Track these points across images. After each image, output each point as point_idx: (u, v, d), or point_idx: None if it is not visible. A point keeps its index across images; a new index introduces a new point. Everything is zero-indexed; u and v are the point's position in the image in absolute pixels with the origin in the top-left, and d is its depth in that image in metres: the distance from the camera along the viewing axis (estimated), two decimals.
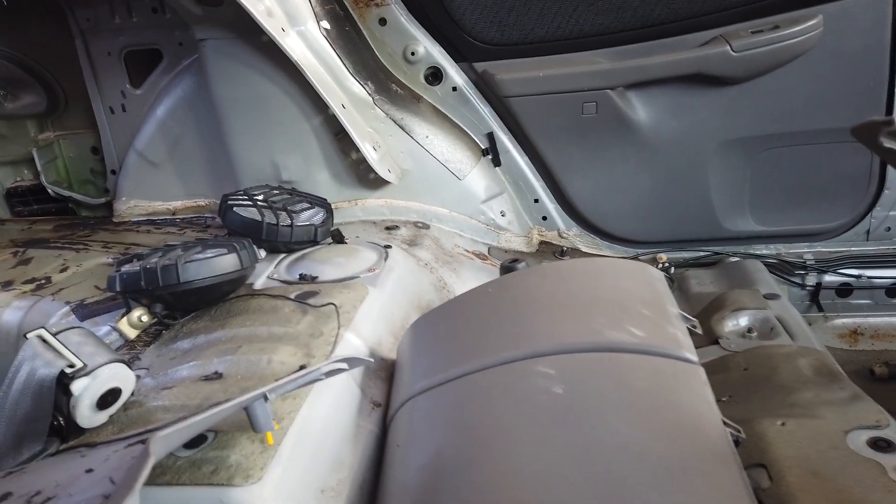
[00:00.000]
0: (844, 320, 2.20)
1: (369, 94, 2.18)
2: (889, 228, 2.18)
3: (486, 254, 2.26)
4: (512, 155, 2.32)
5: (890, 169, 2.11)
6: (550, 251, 2.39)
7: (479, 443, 1.00)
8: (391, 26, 2.19)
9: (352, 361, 1.06)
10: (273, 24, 1.92)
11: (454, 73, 2.24)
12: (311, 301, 1.47)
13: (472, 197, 2.31)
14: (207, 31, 2.08)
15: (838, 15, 1.97)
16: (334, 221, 2.12)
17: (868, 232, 2.20)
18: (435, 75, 2.25)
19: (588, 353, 1.08)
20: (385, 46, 2.21)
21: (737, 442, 0.96)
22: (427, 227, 2.21)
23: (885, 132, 0.67)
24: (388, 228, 2.14)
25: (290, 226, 1.81)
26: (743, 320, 1.70)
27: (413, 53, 2.21)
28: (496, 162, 2.33)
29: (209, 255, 1.46)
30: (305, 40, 2.06)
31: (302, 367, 1.10)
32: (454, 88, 2.24)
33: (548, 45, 2.18)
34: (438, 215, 2.27)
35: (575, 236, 2.41)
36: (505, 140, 2.31)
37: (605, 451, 0.91)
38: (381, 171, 2.10)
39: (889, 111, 2.04)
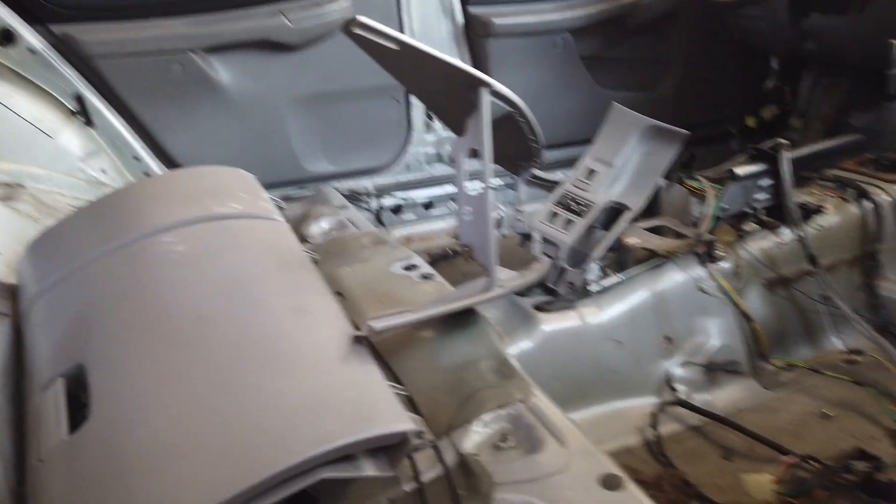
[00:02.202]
0: (401, 231, 2.92)
1: None
2: (419, 161, 2.95)
3: None
4: (105, 116, 2.42)
5: (413, 113, 2.86)
6: None
7: (121, 294, 1.24)
8: None
9: None
10: None
11: (29, 36, 2.24)
12: None
13: (69, 155, 2.34)
14: None
15: None
16: None
17: (407, 165, 2.94)
18: (6, 37, 2.22)
19: (201, 223, 1.40)
20: None
21: (315, 261, 1.40)
22: (21, 186, 2.19)
23: (354, 25, 1.15)
24: None
25: None
26: (324, 224, 2.19)
27: None
28: (89, 123, 2.41)
29: None
30: None
31: None
32: (31, 51, 2.25)
33: (130, 10, 2.36)
34: (34, 175, 2.25)
35: None
36: (96, 101, 2.39)
37: (221, 271, 1.25)
38: None
39: None
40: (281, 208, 1.59)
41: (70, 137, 2.36)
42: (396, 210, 2.91)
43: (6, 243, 1.69)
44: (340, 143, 2.80)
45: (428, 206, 2.96)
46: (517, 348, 1.64)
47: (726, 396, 1.78)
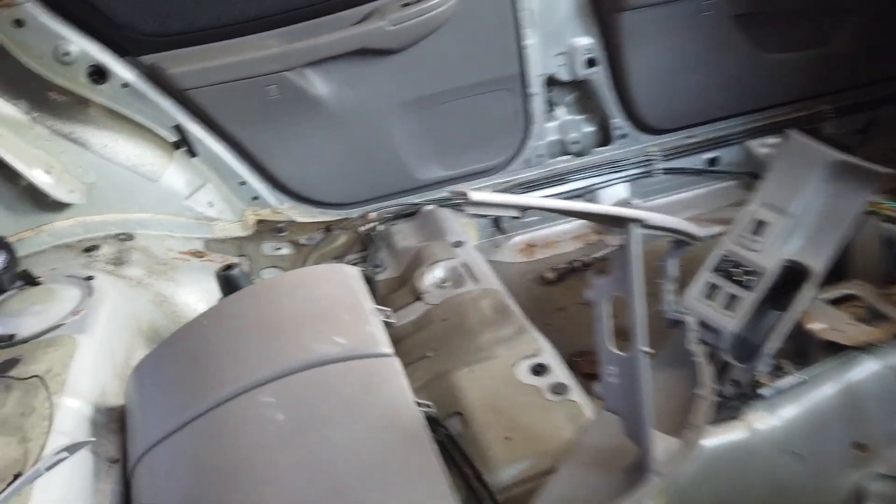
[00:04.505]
0: (521, 237, 2.65)
1: (24, 114, 1.98)
2: (540, 155, 2.62)
3: (203, 250, 2.26)
4: (206, 143, 2.29)
5: (532, 107, 2.51)
6: (268, 229, 2.45)
7: (221, 484, 1.12)
8: (31, 27, 1.98)
9: (73, 447, 1.09)
10: None
11: (120, 70, 2.12)
12: (13, 373, 1.40)
13: (175, 195, 2.26)
14: None
15: None
16: (20, 254, 1.96)
17: (527, 161, 2.62)
18: (99, 73, 2.10)
19: (302, 371, 1.23)
20: (31, 50, 2.01)
21: (429, 418, 1.20)
22: (131, 237, 2.13)
23: (467, 205, 0.89)
24: (86, 250, 2.03)
25: None
26: (438, 272, 1.98)
27: (66, 54, 2.03)
28: (191, 153, 2.29)
29: None
30: None
31: (17, 477, 1.09)
32: (125, 85, 2.12)
33: (215, 32, 2.15)
34: (141, 221, 2.20)
35: (289, 209, 2.49)
36: (196, 130, 2.26)
37: (326, 463, 1.09)
38: (61, 195, 1.97)
39: (521, 60, 2.41)
40: (388, 322, 1.39)
41: (173, 175, 2.26)
42: None
43: (118, 340, 1.63)
44: (452, 145, 2.52)
45: None
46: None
47: None
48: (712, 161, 2.72)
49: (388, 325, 1.39)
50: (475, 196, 0.86)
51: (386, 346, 1.30)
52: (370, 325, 1.34)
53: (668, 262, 1.49)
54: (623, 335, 1.10)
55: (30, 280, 1.80)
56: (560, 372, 1.47)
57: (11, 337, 1.57)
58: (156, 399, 1.33)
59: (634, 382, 1.04)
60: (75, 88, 2.08)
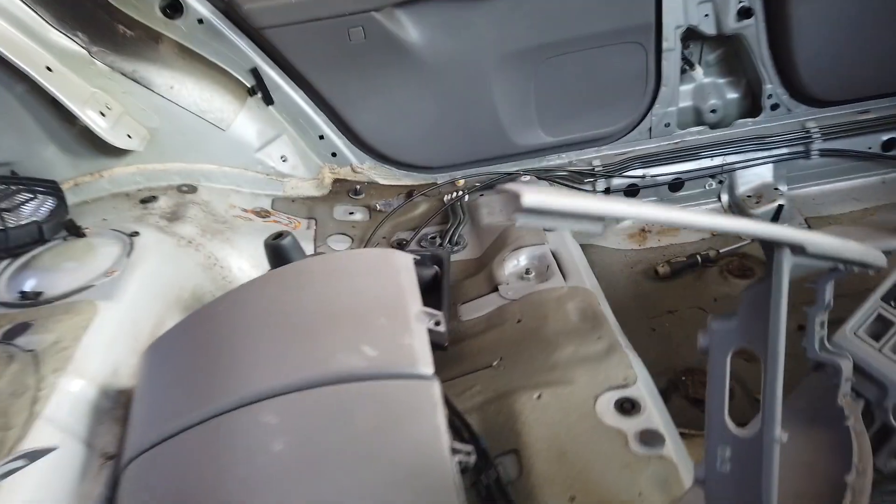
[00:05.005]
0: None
1: (83, 47, 1.82)
2: (668, 124, 2.20)
3: (269, 209, 2.06)
4: (284, 90, 2.07)
5: (665, 66, 2.09)
6: (345, 189, 2.22)
7: None
8: None
9: (33, 454, 0.89)
10: None
11: (196, 3, 1.91)
12: (20, 341, 1.24)
13: (244, 147, 2.07)
14: None
15: None
16: (76, 200, 1.84)
17: (650, 130, 2.20)
18: (173, 7, 1.91)
19: (316, 388, 0.98)
20: None
21: (465, 469, 0.91)
22: (193, 189, 1.96)
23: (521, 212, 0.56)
24: (143, 201, 1.87)
25: (4, 230, 1.52)
26: (522, 259, 1.66)
27: None
28: (268, 100, 2.08)
29: None
30: None
31: None
32: (200, 21, 1.92)
33: None
34: (206, 173, 2.02)
35: (369, 169, 2.25)
36: (273, 75, 2.04)
37: None
38: (117, 140, 1.81)
39: (657, 7, 1.99)
40: (437, 327, 1.09)
41: (244, 124, 2.06)
42: (631, 192, 2.22)
43: (148, 310, 1.46)
44: (561, 106, 2.16)
45: (675, 186, 2.23)
46: None
47: None
48: (889, 144, 2.17)
49: (434, 333, 1.09)
50: (530, 199, 0.52)
51: (426, 366, 1.01)
52: (410, 335, 1.04)
53: (823, 286, 1.08)
54: None
55: (75, 231, 1.66)
56: (655, 414, 1.12)
57: (38, 295, 1.42)
58: (156, 394, 1.13)
59: (758, 478, 0.69)
60: (149, 22, 1.90)
